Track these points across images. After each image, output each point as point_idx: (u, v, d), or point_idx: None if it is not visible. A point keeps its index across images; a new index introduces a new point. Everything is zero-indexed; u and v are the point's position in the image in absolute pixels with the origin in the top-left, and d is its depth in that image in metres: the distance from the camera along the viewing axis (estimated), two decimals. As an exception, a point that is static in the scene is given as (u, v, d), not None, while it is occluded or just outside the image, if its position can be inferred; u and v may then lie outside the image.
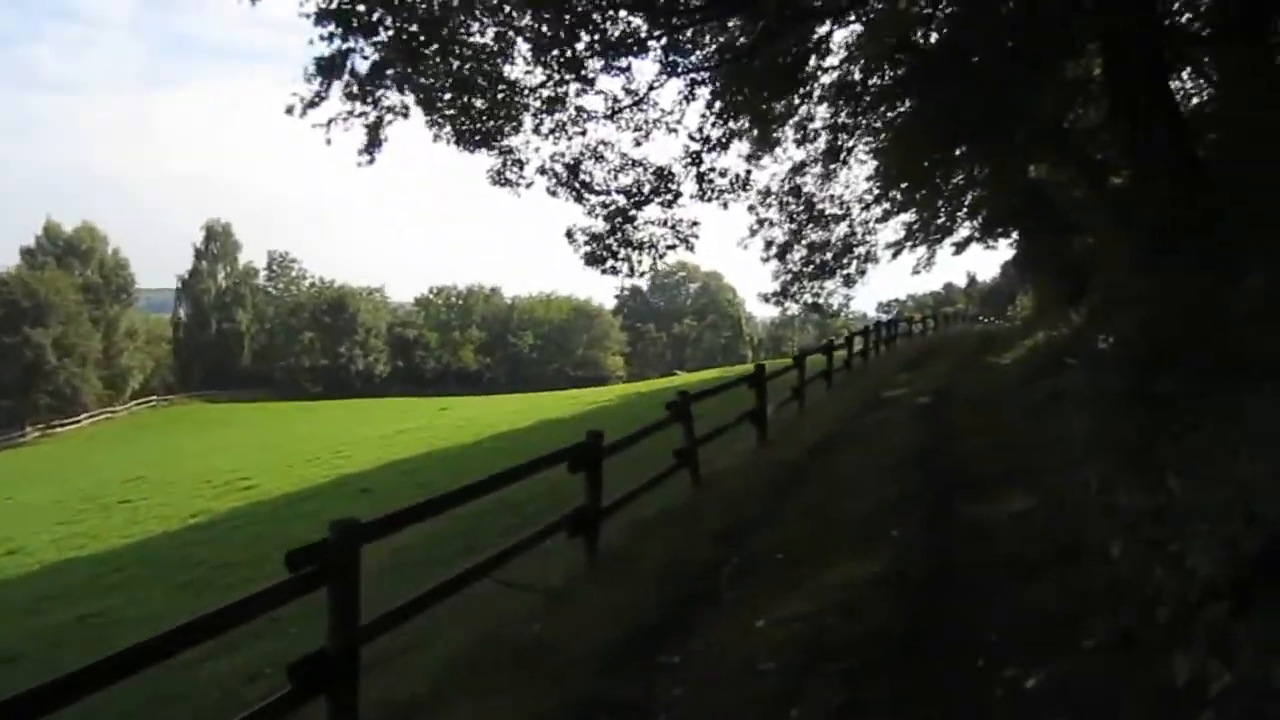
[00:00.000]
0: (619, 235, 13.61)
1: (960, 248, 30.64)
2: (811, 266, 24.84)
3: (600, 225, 13.53)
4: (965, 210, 27.92)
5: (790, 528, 6.21)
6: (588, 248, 13.56)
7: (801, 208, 23.51)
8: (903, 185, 23.89)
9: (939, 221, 28.06)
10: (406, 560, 8.18)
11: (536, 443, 19.08)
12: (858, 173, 26.96)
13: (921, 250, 28.60)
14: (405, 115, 11.38)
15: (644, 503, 8.45)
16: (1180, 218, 10.09)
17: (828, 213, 24.16)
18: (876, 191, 24.16)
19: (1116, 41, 11.92)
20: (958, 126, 17.17)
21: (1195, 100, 15.06)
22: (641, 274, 13.87)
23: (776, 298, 25.90)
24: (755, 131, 17.18)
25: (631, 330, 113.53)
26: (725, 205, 14.17)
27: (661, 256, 13.98)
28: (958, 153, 22.32)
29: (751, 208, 14.90)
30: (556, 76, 11.83)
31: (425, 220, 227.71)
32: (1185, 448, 5.62)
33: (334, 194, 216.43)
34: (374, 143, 11.52)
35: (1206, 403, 6.62)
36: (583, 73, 11.84)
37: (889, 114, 19.11)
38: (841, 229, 24.48)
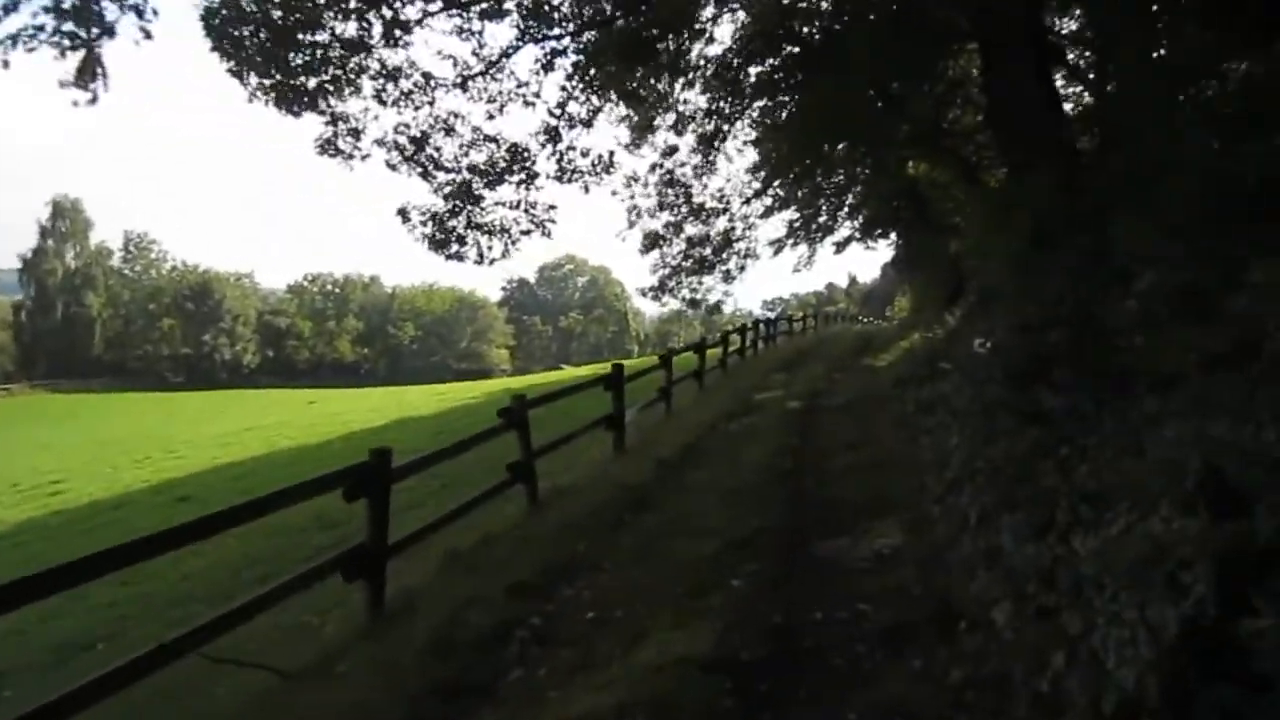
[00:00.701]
0: (465, 217, 12.14)
1: (841, 247, 30.71)
2: (690, 261, 24.07)
3: (442, 205, 12.00)
4: (846, 210, 27.95)
5: (615, 574, 5.03)
6: (428, 229, 12.00)
7: (680, 199, 22.66)
8: (783, 180, 23.43)
9: (820, 220, 27.94)
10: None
11: (388, 443, 17.46)
12: (738, 165, 26.36)
13: (803, 248, 28.45)
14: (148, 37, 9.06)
15: (470, 524, 7.18)
16: (1062, 215, 9.51)
17: (707, 206, 23.45)
18: (757, 186, 23.64)
19: (999, 38, 11.41)
20: (837, 121, 16.61)
21: (1070, 102, 14.80)
22: (492, 261, 12.50)
23: (654, 292, 25.07)
24: (631, 115, 16.09)
25: (517, 323, 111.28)
26: (586, 189, 12.96)
27: (514, 243, 12.61)
28: (839, 149, 22.03)
29: (615, 193, 13.69)
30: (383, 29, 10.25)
31: (299, 205, 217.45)
32: (1075, 479, 4.74)
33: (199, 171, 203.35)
34: (90, 71, 9.07)
35: (1092, 421, 5.85)
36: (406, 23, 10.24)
37: (769, 104, 18.37)
38: (721, 223, 23.83)
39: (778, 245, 28.30)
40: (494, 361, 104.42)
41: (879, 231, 29.34)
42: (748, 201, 23.81)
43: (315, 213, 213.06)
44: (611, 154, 12.74)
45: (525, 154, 12.24)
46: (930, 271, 25.45)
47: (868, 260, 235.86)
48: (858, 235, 29.73)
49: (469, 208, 12.09)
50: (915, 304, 32.41)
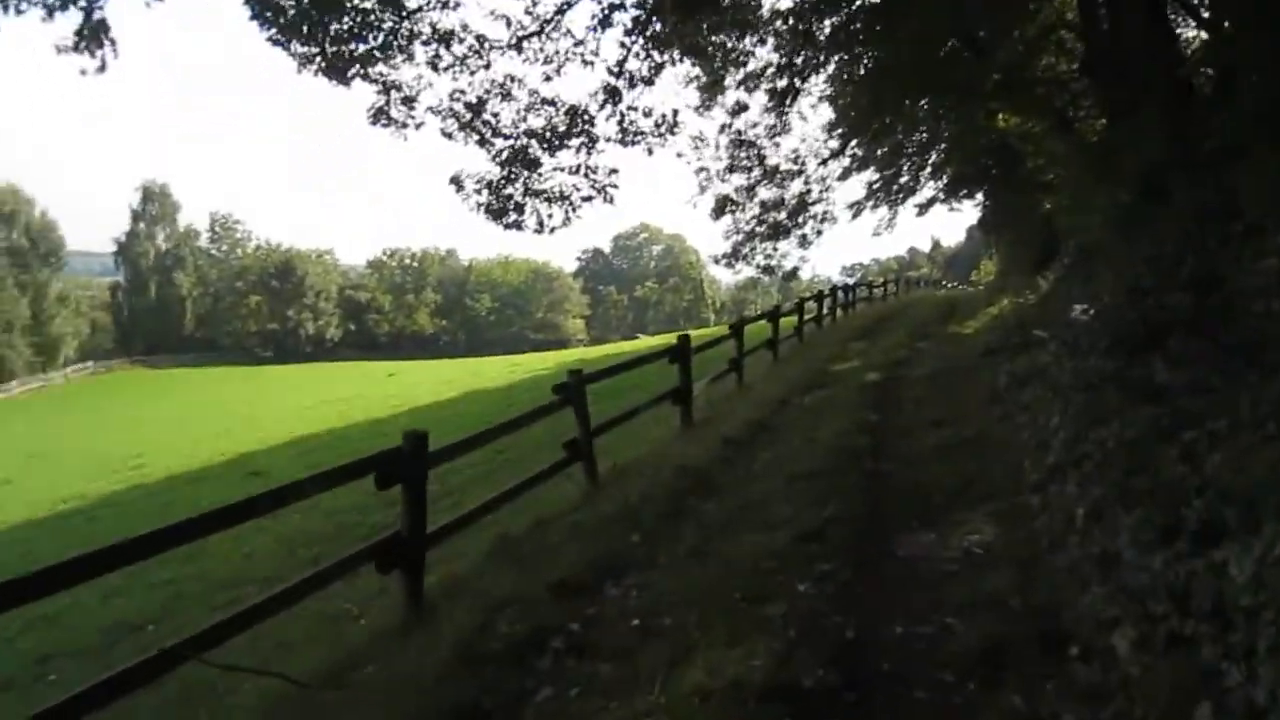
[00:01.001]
0: (523, 184, 11.67)
1: (924, 209, 29.29)
2: (764, 226, 23.23)
3: (498, 172, 11.53)
4: (929, 169, 26.57)
5: (668, 572, 4.54)
6: (483, 198, 11.56)
7: (753, 161, 21.80)
8: (861, 139, 22.31)
9: (902, 180, 26.65)
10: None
11: (448, 418, 17.40)
12: (813, 124, 25.34)
13: (883, 210, 27.21)
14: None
15: (526, 504, 6.82)
16: (1176, 164, 8.51)
17: (781, 168, 22.54)
18: (834, 146, 22.57)
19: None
20: (919, 72, 15.54)
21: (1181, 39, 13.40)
22: (553, 229, 12.00)
23: (727, 259, 24.35)
24: (698, 73, 15.35)
25: (593, 293, 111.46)
26: (650, 151, 12.31)
27: (575, 209, 12.08)
28: (921, 104, 20.78)
29: (680, 154, 12.98)
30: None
31: (375, 182, 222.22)
32: (1207, 470, 4.01)
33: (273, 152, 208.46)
34: (93, 35, 8.31)
35: (1221, 399, 5.07)
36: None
37: (845, 58, 17.32)
38: (796, 186, 22.89)
39: (856, 208, 27.23)
40: (570, 332, 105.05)
41: (964, 192, 27.89)
42: (824, 162, 22.79)
43: (392, 188, 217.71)
44: (675, 113, 12.08)
45: (585, 116, 11.68)
46: (1019, 232, 24.04)
47: (952, 223, 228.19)
48: (941, 196, 28.35)
49: (527, 174, 11.61)
50: (1002, 267, 30.87)
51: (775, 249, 23.41)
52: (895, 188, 26.70)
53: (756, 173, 22.39)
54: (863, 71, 16.84)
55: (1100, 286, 11.87)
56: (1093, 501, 4.39)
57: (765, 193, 22.78)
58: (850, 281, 46.68)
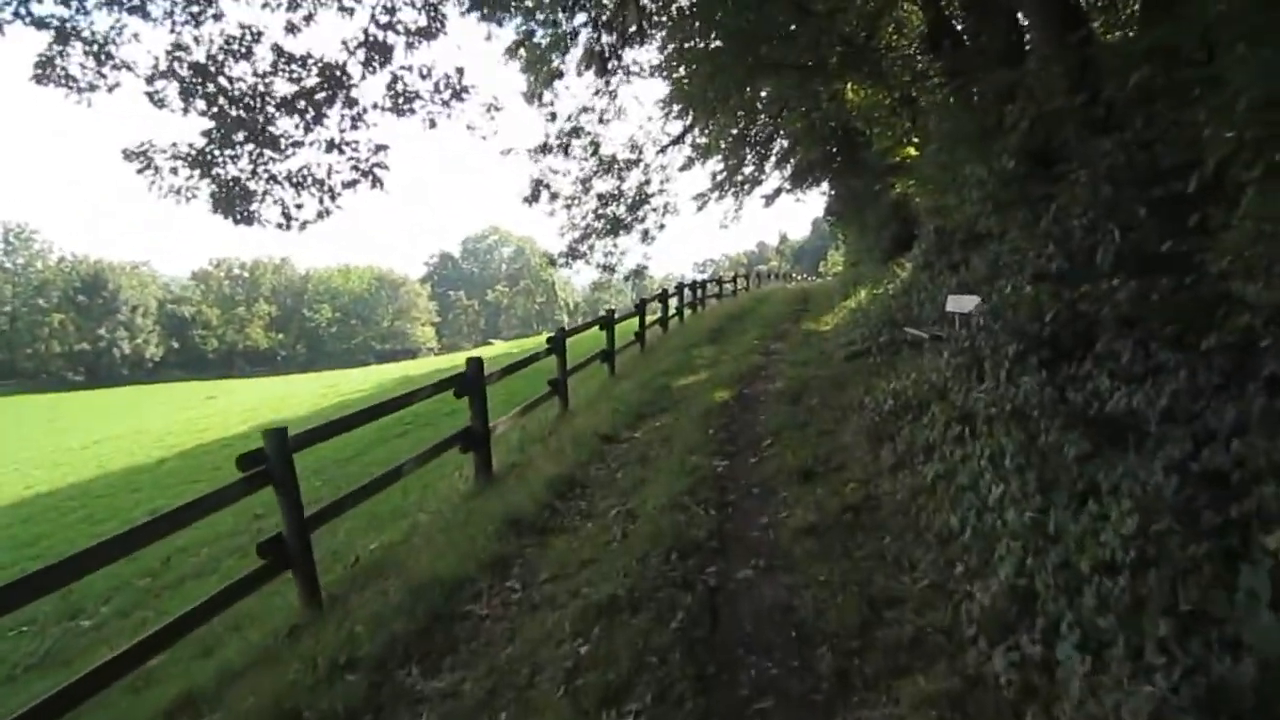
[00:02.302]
0: (250, 161, 8.71)
1: (770, 199, 28.46)
2: (602, 221, 21.06)
3: (216, 147, 8.49)
4: (774, 159, 25.45)
5: None
6: (187, 180, 8.51)
7: (587, 151, 19.57)
8: (704, 127, 20.56)
9: (747, 171, 25.57)
10: None
11: (223, 464, 14.09)
12: (649, 105, 23.45)
13: (729, 202, 25.70)
14: None
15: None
16: (1074, 118, 6.73)
17: (619, 158, 20.42)
18: (673, 132, 20.66)
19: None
20: (756, 43, 13.72)
21: None
22: (304, 224, 9.05)
23: (565, 258, 22.02)
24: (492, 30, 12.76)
25: (442, 299, 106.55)
26: (433, 122, 9.58)
27: (335, 197, 9.23)
28: (762, 85, 19.16)
29: (471, 126, 10.31)
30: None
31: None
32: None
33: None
34: None
35: (1249, 445, 3.13)
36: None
37: (671, 21, 15.27)
38: (635, 177, 20.79)
39: (702, 200, 25.75)
40: (420, 340, 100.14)
41: (810, 181, 26.83)
42: (663, 150, 20.83)
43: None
44: (461, 72, 9.41)
45: (342, 77, 8.88)
46: (867, 219, 22.92)
47: (798, 217, 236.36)
48: (787, 186, 27.38)
49: (267, 152, 8.67)
50: (853, 258, 30.05)
51: (615, 245, 21.32)
52: (740, 178, 25.56)
53: (591, 163, 20.24)
54: (697, 38, 14.81)
55: (993, 275, 10.13)
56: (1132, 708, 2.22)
57: (602, 184, 20.66)
58: (701, 277, 45.37)
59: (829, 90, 17.30)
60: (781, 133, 23.65)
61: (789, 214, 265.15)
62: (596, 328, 13.08)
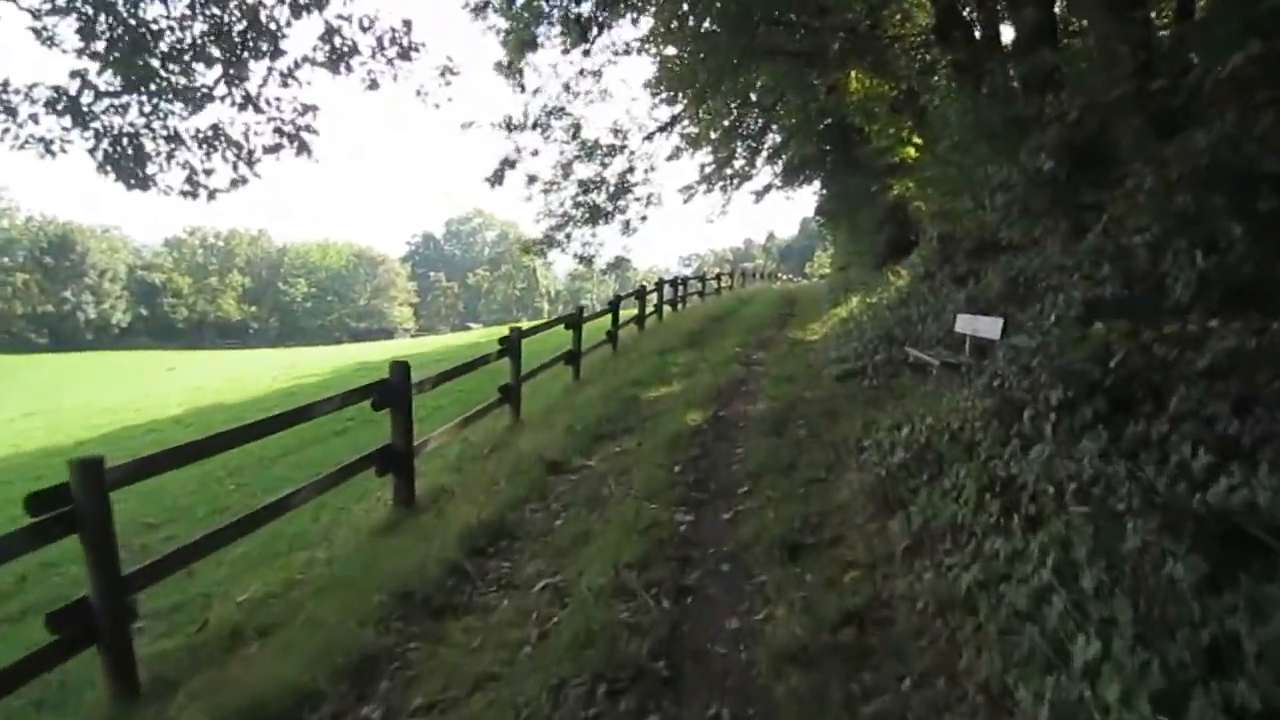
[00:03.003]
0: (146, 117, 7.31)
1: (760, 195, 27.53)
2: (581, 209, 19.81)
3: (120, 98, 7.04)
4: (766, 154, 24.27)
5: None
6: (90, 140, 7.03)
7: (568, 133, 18.33)
8: (692, 115, 19.31)
9: (737, 165, 24.35)
10: None
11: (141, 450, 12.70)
12: (636, 90, 22.19)
13: (717, 196, 24.53)
14: None
15: None
16: (1138, 109, 5.55)
17: (603, 143, 19.17)
18: (660, 118, 19.45)
19: None
20: (750, 20, 12.56)
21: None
22: (213, 193, 7.67)
23: (540, 246, 20.78)
24: None
25: (422, 280, 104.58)
26: (374, 82, 8.25)
27: (254, 162, 7.82)
28: (758, 82, 17.99)
29: (421, 92, 8.96)
30: None
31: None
32: None
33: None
34: None
35: None
36: None
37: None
38: (619, 164, 19.52)
39: (689, 192, 24.52)
40: (396, 321, 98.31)
41: (802, 178, 25.79)
42: (649, 137, 19.59)
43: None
44: (409, 25, 8.05)
45: (267, 21, 7.54)
46: (861, 221, 21.78)
47: (786, 215, 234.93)
48: (778, 183, 26.48)
49: (159, 103, 7.27)
50: (842, 261, 28.95)
51: (594, 235, 20.08)
52: (730, 172, 24.42)
53: (573, 147, 18.98)
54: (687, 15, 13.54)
55: (987, 291, 8.94)
56: None
57: (583, 170, 19.40)
58: (687, 272, 44.10)
59: (828, 80, 16.14)
60: (775, 126, 22.50)
61: (778, 212, 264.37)
62: (561, 326, 11.80)
